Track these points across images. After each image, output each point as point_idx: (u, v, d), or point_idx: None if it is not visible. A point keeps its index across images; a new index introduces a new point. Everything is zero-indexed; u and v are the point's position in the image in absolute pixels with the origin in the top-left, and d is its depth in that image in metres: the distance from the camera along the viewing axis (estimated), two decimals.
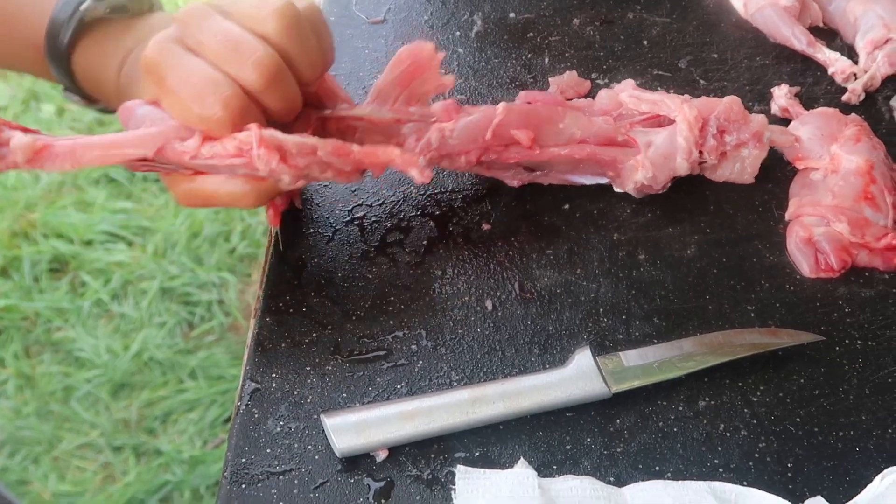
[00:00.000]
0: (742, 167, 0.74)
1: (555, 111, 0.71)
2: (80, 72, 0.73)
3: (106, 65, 0.71)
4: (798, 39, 0.86)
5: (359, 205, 0.73)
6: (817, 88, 0.84)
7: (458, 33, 0.88)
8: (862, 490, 0.57)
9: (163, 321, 1.91)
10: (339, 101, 0.69)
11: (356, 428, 0.59)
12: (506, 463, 0.59)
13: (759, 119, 0.73)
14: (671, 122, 0.72)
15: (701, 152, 0.71)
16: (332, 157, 0.62)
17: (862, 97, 0.83)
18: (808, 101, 0.82)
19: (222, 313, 1.90)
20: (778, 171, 0.77)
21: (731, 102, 0.72)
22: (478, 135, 0.68)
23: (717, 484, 0.56)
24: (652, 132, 0.72)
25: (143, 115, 0.62)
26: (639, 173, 0.71)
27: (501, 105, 0.69)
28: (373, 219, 0.72)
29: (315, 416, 0.61)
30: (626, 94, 0.74)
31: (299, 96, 0.63)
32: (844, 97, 0.83)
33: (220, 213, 2.09)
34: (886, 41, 0.84)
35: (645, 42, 0.88)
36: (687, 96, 0.74)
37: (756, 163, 0.74)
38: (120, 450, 1.73)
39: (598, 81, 0.83)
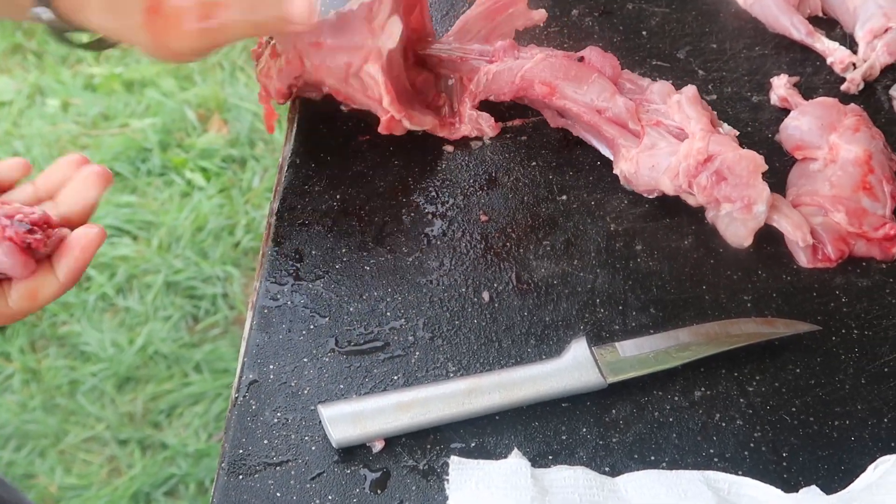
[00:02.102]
0: (734, 225, 0.70)
1: (584, 74, 0.73)
2: None
3: None
4: (797, 29, 0.85)
5: (356, 196, 0.73)
6: (816, 78, 0.84)
7: None
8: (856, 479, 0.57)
9: (168, 315, 1.92)
10: (426, 33, 0.78)
11: (352, 419, 0.59)
12: (501, 453, 0.59)
13: (763, 192, 0.67)
14: None
15: (691, 184, 0.69)
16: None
17: (861, 87, 0.82)
18: (807, 91, 0.82)
19: (227, 307, 1.90)
20: (776, 161, 0.77)
21: (746, 158, 0.68)
22: (511, 79, 0.75)
23: (710, 473, 0.56)
24: (665, 139, 0.71)
25: None
26: (624, 164, 0.71)
27: (538, 56, 0.75)
28: (371, 210, 0.72)
29: (312, 408, 0.61)
30: (676, 97, 0.73)
31: None
32: (843, 87, 0.82)
33: (225, 207, 2.09)
34: (886, 30, 0.84)
35: (644, 32, 0.87)
36: (715, 132, 0.70)
37: (741, 228, 0.70)
38: (125, 443, 1.74)
39: None
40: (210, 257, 2.00)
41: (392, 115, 0.72)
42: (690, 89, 0.72)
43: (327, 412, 0.59)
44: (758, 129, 0.80)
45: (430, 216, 0.72)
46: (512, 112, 0.79)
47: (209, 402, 1.76)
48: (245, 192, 2.16)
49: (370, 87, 0.70)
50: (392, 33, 0.69)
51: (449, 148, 0.77)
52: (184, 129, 2.26)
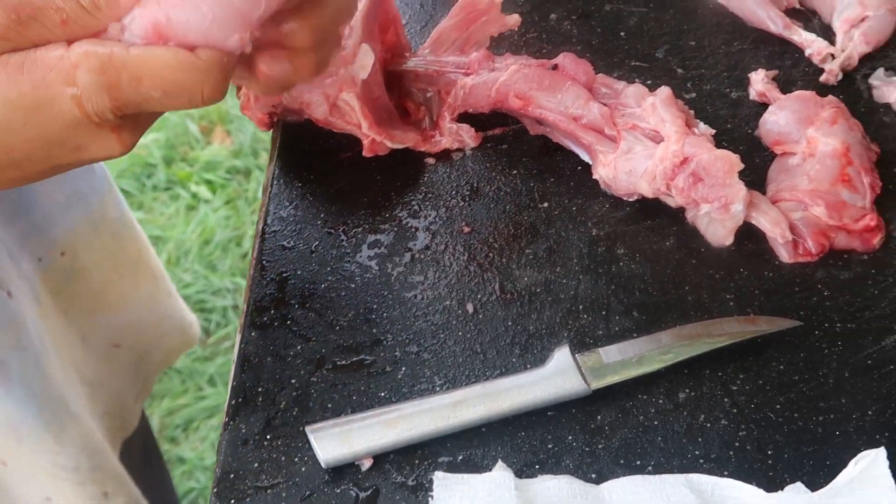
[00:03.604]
0: (714, 225, 0.71)
1: (558, 82, 0.74)
2: None
3: None
4: (774, 22, 0.86)
5: (340, 213, 0.74)
6: (795, 71, 0.84)
7: None
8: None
9: None
10: (402, 49, 0.79)
11: (340, 438, 0.60)
12: (489, 465, 0.60)
13: (739, 191, 0.68)
14: None
15: (669, 186, 0.69)
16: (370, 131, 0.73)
17: (840, 77, 0.83)
18: (786, 84, 0.82)
19: (238, 318, 1.92)
20: (756, 157, 0.77)
21: (722, 158, 0.68)
22: (487, 92, 0.76)
23: (693, 476, 0.57)
24: (641, 143, 0.72)
25: None
26: (602, 169, 0.72)
27: (511, 68, 0.75)
28: (354, 227, 0.73)
29: (301, 429, 0.62)
30: (650, 100, 0.73)
31: None
32: (822, 78, 0.83)
33: (231, 219, 2.11)
34: (863, 19, 0.84)
35: (622, 33, 0.88)
36: (691, 133, 0.70)
37: (721, 228, 0.70)
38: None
39: None
40: (219, 269, 2.02)
41: (373, 138, 0.73)
42: (664, 91, 0.73)
43: (315, 433, 0.60)
44: (737, 125, 0.80)
45: (413, 230, 0.73)
46: (492, 121, 0.80)
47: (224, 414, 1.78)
48: (251, 203, 2.18)
49: (348, 114, 0.71)
50: (364, 64, 0.70)
51: (430, 160, 0.78)
52: (187, 143, 2.28)
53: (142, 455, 1.07)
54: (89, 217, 0.86)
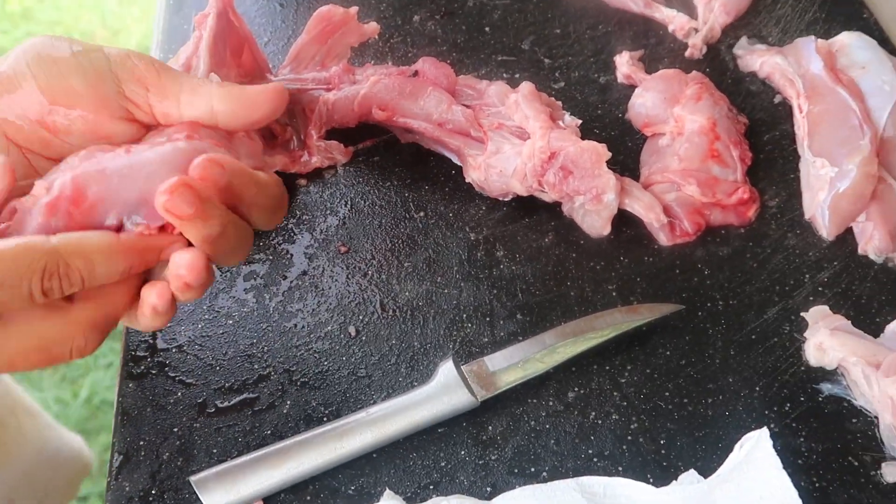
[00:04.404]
0: (589, 216, 0.70)
1: (419, 89, 0.72)
2: None
3: None
4: (635, 2, 0.85)
5: None
6: (661, 48, 0.84)
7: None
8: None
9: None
10: (261, 70, 0.75)
11: (225, 484, 0.58)
12: (381, 493, 0.59)
13: (609, 181, 0.67)
14: None
15: (540, 182, 0.69)
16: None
17: (704, 50, 0.83)
18: (652, 63, 0.82)
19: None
20: (629, 141, 0.77)
21: (588, 150, 0.67)
22: (350, 106, 0.74)
23: (584, 479, 0.56)
24: (509, 141, 0.71)
25: None
26: (473, 173, 0.71)
27: (371, 79, 0.73)
28: None
29: (186, 479, 0.60)
30: (513, 97, 0.72)
31: None
32: (687, 53, 0.83)
33: None
34: None
35: (487, 28, 0.87)
36: (556, 126, 0.69)
37: (596, 218, 0.70)
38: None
39: None
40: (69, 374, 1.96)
41: None
42: (526, 86, 0.72)
43: (199, 483, 0.58)
44: (608, 110, 0.79)
45: (289, 256, 0.71)
46: (362, 133, 0.78)
47: (107, 474, 1.73)
48: None
49: None
50: None
51: (302, 182, 0.76)
52: None
53: None
54: None
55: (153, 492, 0.60)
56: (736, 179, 0.71)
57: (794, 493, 0.53)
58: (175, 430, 0.62)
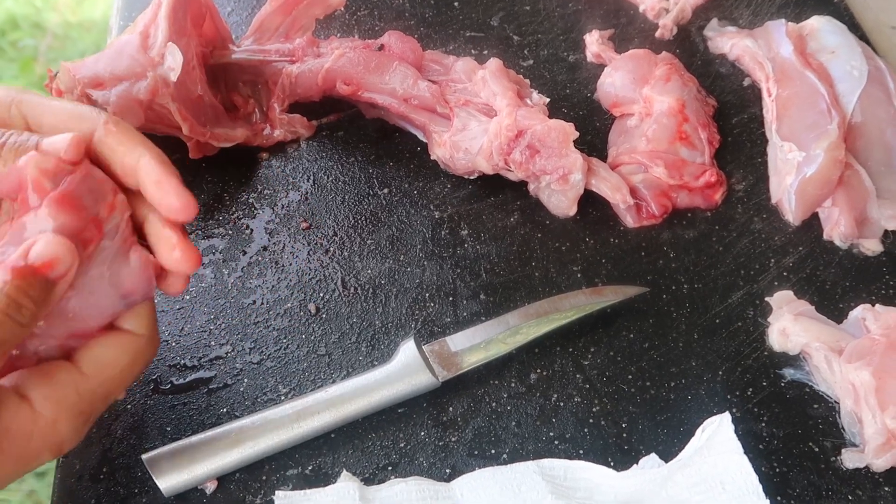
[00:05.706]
0: (555, 196, 0.69)
1: (385, 63, 0.71)
2: None
3: None
4: None
5: None
6: (631, 28, 0.83)
7: None
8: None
9: None
10: (223, 41, 0.74)
11: (179, 463, 0.57)
12: (338, 474, 0.58)
13: (576, 161, 0.66)
14: None
15: (506, 161, 0.68)
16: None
17: (675, 31, 0.82)
18: (622, 43, 0.81)
19: None
20: (597, 122, 0.76)
21: (555, 129, 0.66)
22: (313, 80, 0.72)
23: (545, 462, 0.56)
24: (475, 118, 0.69)
25: None
26: (439, 149, 0.69)
27: (336, 53, 0.71)
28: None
29: (138, 457, 0.58)
30: (480, 73, 0.71)
31: None
32: (658, 33, 0.82)
33: None
34: None
35: (456, 3, 0.85)
36: (523, 104, 0.68)
37: (562, 199, 0.69)
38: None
39: None
40: None
41: (197, 140, 0.69)
42: (493, 63, 0.71)
43: (152, 461, 0.57)
44: (576, 89, 0.78)
45: (249, 231, 0.69)
46: (326, 107, 0.76)
47: None
48: None
49: (166, 117, 0.67)
50: (173, 66, 0.65)
51: (264, 155, 0.74)
52: None
53: None
54: None
55: (104, 469, 0.58)
56: (703, 162, 0.71)
57: (754, 477, 0.52)
58: (128, 407, 0.61)
